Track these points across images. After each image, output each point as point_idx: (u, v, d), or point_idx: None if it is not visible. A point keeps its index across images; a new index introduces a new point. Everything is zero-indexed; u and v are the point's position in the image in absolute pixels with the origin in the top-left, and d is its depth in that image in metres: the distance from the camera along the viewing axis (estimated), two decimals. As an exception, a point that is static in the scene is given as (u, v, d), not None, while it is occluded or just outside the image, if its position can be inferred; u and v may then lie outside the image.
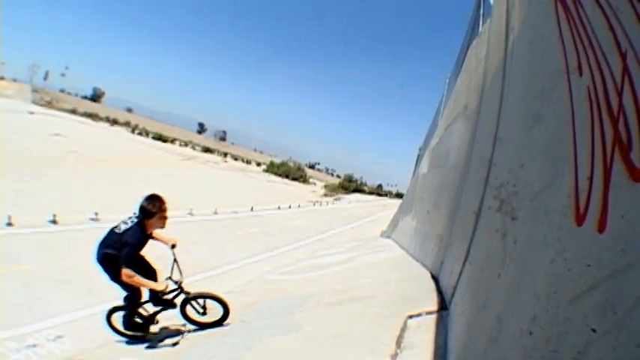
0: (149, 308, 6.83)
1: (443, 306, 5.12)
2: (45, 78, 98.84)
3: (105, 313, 6.68)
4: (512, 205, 3.04)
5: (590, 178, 1.89)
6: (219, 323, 6.80)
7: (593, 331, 1.54)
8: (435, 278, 6.50)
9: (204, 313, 6.84)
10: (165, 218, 6.50)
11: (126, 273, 5.92)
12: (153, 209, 6.27)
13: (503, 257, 2.85)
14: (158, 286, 6.36)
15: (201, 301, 6.85)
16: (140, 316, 6.75)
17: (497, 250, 3.03)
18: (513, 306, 2.37)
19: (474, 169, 5.30)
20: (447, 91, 13.66)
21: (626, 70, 1.83)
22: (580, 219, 1.89)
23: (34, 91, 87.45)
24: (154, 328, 6.96)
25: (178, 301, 6.76)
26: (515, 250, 2.66)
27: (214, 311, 6.91)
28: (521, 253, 2.56)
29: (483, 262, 3.55)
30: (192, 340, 6.37)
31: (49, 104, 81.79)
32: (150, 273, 6.77)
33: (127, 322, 6.66)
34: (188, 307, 6.82)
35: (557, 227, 2.09)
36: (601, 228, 1.71)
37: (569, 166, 2.13)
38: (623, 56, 1.87)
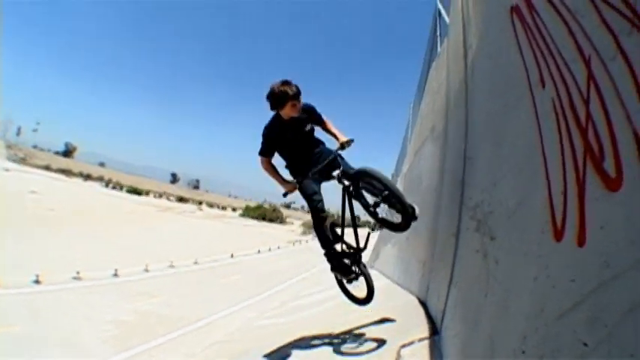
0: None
1: (434, 331, 5.09)
2: (17, 134, 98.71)
3: None
4: (489, 224, 3.04)
5: (565, 192, 1.90)
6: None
7: (585, 345, 1.53)
8: (423, 303, 6.47)
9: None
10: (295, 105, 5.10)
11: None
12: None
13: (486, 278, 2.83)
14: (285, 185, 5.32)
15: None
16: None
17: (481, 271, 3.01)
18: (503, 326, 2.35)
19: (448, 190, 5.34)
20: (412, 116, 13.83)
21: (591, 77, 1.83)
22: (559, 234, 1.89)
23: (8, 147, 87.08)
24: None
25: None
26: (498, 270, 2.65)
27: None
28: (504, 272, 2.55)
29: (468, 283, 3.53)
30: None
31: (23, 161, 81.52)
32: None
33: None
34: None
35: (537, 244, 2.09)
36: (581, 242, 1.70)
37: (542, 182, 2.12)
38: (587, 62, 1.87)
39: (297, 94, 5.07)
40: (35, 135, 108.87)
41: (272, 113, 5.25)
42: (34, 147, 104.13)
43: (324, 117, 5.53)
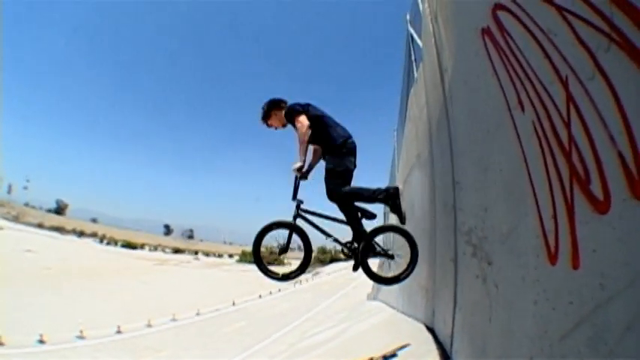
0: None
1: (445, 356, 5.09)
2: (9, 191, 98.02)
3: None
4: (485, 249, 3.05)
5: (555, 217, 1.92)
6: None
7: (590, 364, 1.56)
8: (430, 329, 6.46)
9: None
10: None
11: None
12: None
13: (489, 302, 2.85)
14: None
15: None
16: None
17: (482, 296, 3.03)
18: (510, 349, 2.37)
19: (441, 216, 5.36)
20: (397, 142, 13.86)
21: (570, 98, 1.84)
22: (553, 258, 1.92)
23: (1, 205, 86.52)
24: None
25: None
26: (499, 295, 2.67)
27: None
28: (505, 296, 2.57)
29: (472, 307, 3.54)
30: None
31: (16, 219, 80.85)
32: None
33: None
34: None
35: (533, 268, 2.12)
36: (575, 265, 1.73)
37: (532, 206, 2.15)
38: (565, 84, 1.88)
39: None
40: (26, 192, 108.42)
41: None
42: (26, 204, 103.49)
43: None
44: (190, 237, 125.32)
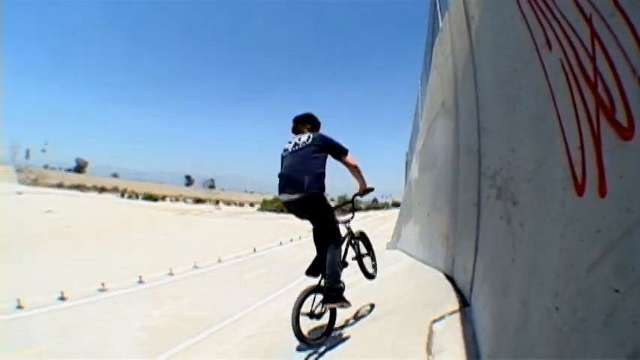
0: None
1: (464, 303, 5.11)
2: (27, 156, 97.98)
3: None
4: (511, 190, 3.06)
5: (582, 147, 1.91)
6: None
7: (617, 291, 1.57)
8: (449, 278, 6.48)
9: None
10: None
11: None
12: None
13: (512, 243, 2.86)
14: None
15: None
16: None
17: (506, 237, 3.04)
18: (534, 287, 2.38)
19: (464, 162, 5.35)
20: (421, 92, 13.73)
21: (594, 34, 1.85)
22: (580, 189, 1.91)
23: (18, 170, 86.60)
24: None
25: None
26: (524, 233, 2.67)
27: None
28: (530, 234, 2.57)
29: (494, 251, 3.56)
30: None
31: (35, 182, 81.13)
32: None
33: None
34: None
35: (560, 202, 2.11)
36: (602, 193, 1.73)
37: (559, 140, 2.14)
38: (589, 21, 1.89)
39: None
40: (45, 155, 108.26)
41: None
42: (45, 167, 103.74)
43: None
44: (212, 187, 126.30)
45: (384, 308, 6.71)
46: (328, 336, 5.84)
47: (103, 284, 17.10)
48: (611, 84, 1.71)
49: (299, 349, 6.24)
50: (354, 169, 5.82)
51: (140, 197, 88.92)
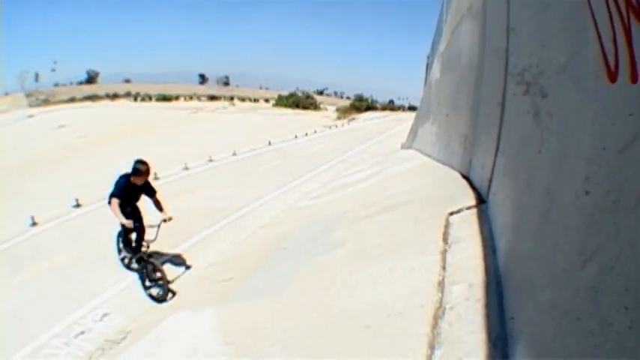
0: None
1: (480, 200, 5.16)
2: (36, 80, 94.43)
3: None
4: (540, 84, 3.08)
5: (614, 39, 1.93)
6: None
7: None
8: (465, 177, 6.53)
9: (152, 280, 8.60)
10: (142, 178, 8.86)
11: (111, 202, 8.60)
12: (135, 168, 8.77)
13: (540, 134, 2.92)
14: (124, 220, 8.42)
15: (150, 267, 8.60)
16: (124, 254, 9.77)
17: (532, 130, 3.10)
18: (562, 174, 2.44)
19: (490, 63, 5.31)
20: (446, -3, 13.30)
21: None
22: (612, 76, 1.95)
23: (28, 95, 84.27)
24: None
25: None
26: (553, 123, 2.73)
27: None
28: (559, 123, 2.62)
29: (518, 146, 3.65)
30: (238, 279, 6.45)
31: (46, 102, 79.24)
32: (135, 218, 9.01)
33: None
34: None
35: (592, 90, 2.15)
36: (634, 79, 1.77)
37: (592, 34, 2.16)
38: None
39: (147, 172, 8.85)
40: (55, 75, 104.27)
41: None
42: (55, 85, 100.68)
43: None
44: (226, 84, 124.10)
45: (399, 199, 6.80)
46: None
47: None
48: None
49: (312, 234, 6.38)
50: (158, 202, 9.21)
51: (154, 99, 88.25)
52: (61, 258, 10.56)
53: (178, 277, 8.93)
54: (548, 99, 2.89)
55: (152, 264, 8.51)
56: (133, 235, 9.17)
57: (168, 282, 8.31)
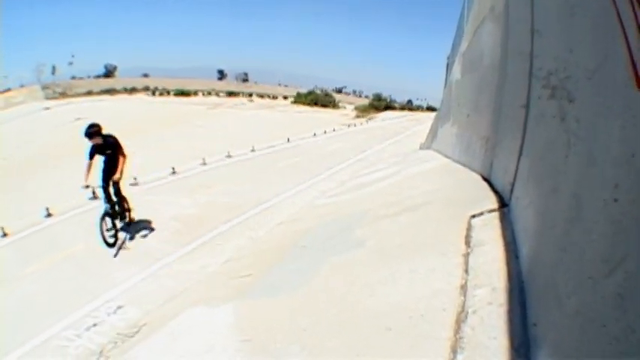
0: None
1: (502, 203, 5.14)
2: (53, 72, 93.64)
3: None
4: (567, 88, 3.06)
5: None
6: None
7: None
8: (486, 180, 6.51)
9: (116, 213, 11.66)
10: (95, 138, 10.92)
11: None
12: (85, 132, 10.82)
13: (566, 139, 2.88)
14: (85, 182, 10.82)
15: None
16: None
17: (559, 134, 3.07)
18: (590, 181, 2.43)
19: (513, 65, 5.29)
20: (467, -2, 13.24)
21: None
22: None
23: (45, 87, 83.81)
24: None
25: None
26: (580, 129, 2.70)
27: None
28: (587, 129, 2.60)
29: (543, 150, 3.62)
30: (255, 275, 6.46)
31: (62, 95, 78.66)
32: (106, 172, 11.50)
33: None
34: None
35: (622, 97, 2.13)
36: None
37: (621, 41, 2.13)
38: None
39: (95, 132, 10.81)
40: (72, 68, 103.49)
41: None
42: (73, 78, 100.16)
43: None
44: (245, 80, 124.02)
45: (419, 199, 6.79)
46: None
47: (134, 178, 17.30)
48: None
49: (331, 232, 6.38)
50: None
51: (172, 94, 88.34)
52: (76, 249, 10.68)
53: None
54: (575, 104, 2.87)
55: (118, 198, 11.73)
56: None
57: (130, 210, 12.47)
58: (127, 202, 12.38)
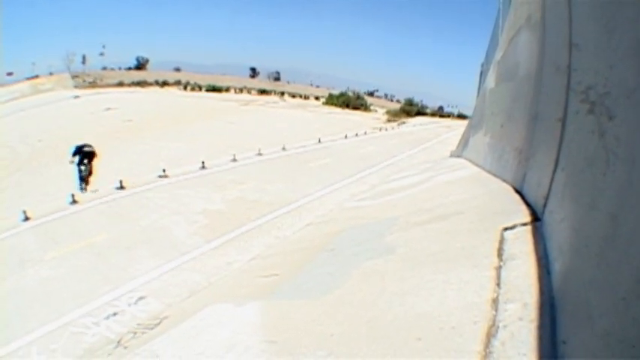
0: None
1: (535, 217, 5.11)
2: (83, 62, 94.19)
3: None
4: (606, 105, 3.02)
5: None
6: None
7: None
8: (518, 192, 6.46)
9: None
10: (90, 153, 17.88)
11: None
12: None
13: (605, 156, 2.85)
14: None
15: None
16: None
17: (597, 151, 3.03)
18: (628, 201, 2.40)
19: (549, 77, 5.23)
20: (502, 4, 13.17)
21: None
22: None
23: (74, 76, 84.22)
24: None
25: None
26: (620, 147, 2.67)
27: None
28: (626, 148, 2.57)
29: (581, 165, 3.55)
30: (282, 275, 6.51)
31: (92, 85, 79.14)
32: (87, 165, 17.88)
33: None
34: None
35: None
36: None
37: None
38: None
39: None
40: (103, 59, 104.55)
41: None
42: (104, 68, 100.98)
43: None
44: (277, 79, 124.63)
45: (451, 208, 6.76)
46: None
47: (164, 171, 17.63)
48: None
49: (361, 237, 6.38)
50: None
51: (203, 89, 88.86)
52: (99, 238, 10.84)
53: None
54: (615, 121, 2.84)
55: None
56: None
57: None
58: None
